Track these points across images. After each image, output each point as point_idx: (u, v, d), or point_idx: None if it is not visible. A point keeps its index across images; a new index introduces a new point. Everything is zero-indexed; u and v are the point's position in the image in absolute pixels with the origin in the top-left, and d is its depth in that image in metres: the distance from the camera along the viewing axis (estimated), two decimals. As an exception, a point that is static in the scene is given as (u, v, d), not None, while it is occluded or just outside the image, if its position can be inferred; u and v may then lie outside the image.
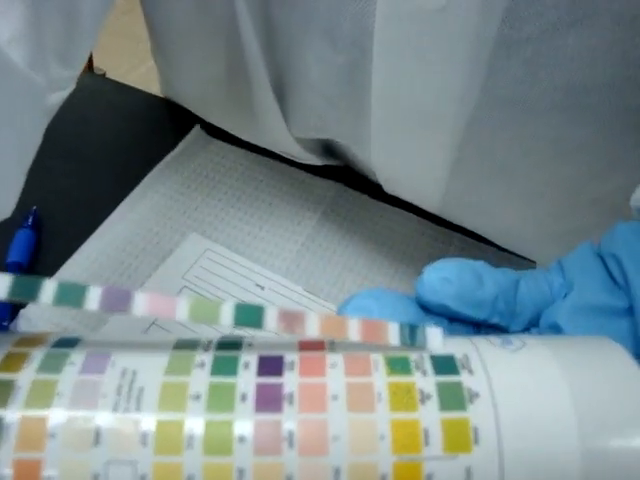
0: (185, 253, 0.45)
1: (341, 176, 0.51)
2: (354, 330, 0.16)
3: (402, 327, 0.17)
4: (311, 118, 0.42)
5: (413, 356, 0.16)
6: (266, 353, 0.16)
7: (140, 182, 0.50)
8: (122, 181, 0.50)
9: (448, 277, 0.22)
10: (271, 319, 0.16)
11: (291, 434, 0.14)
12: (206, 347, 0.17)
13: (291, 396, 0.15)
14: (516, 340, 0.17)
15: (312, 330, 0.16)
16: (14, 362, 0.16)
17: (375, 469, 0.14)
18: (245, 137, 0.52)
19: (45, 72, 0.25)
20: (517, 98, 0.31)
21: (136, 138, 0.54)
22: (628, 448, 0.14)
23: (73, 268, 0.44)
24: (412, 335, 0.16)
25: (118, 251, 0.46)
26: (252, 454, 0.14)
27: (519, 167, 0.35)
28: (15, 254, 0.45)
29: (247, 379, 0.16)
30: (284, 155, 0.50)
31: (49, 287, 0.16)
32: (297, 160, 0.50)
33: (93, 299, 0.17)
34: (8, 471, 0.14)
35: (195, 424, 0.15)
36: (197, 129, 0.54)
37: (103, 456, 0.14)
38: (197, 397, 0.15)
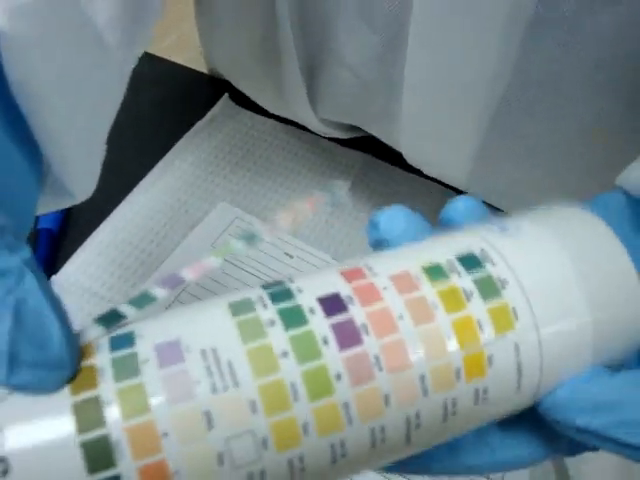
0: (214, 222, 0.45)
1: (369, 146, 0.51)
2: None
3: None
4: (340, 100, 0.42)
5: (443, 262, 0.18)
6: (321, 293, 0.17)
7: (169, 151, 0.50)
8: (151, 149, 0.50)
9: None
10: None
11: (377, 358, 0.16)
12: (263, 303, 0.17)
13: (365, 326, 0.16)
14: (509, 224, 0.19)
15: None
16: (86, 379, 0.15)
17: (450, 366, 0.16)
18: (270, 109, 0.52)
19: (124, 32, 0.25)
20: (548, 78, 0.31)
21: (164, 107, 0.54)
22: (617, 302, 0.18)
23: (102, 235, 0.45)
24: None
25: (147, 219, 0.46)
26: (351, 387, 0.16)
27: (546, 148, 0.35)
28: (45, 221, 0.45)
29: (320, 323, 0.16)
30: (309, 128, 0.50)
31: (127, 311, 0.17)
32: (321, 134, 0.49)
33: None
34: None
35: (293, 378, 0.16)
36: (225, 99, 0.54)
37: (221, 436, 0.15)
38: (285, 354, 0.16)
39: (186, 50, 0.58)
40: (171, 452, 0.15)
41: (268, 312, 0.17)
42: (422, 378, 0.16)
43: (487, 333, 0.17)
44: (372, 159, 0.50)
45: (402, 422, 0.16)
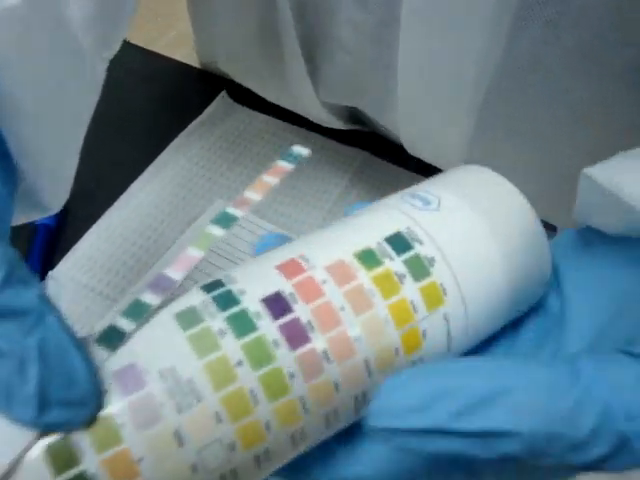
0: (211, 219, 0.45)
1: (367, 144, 0.51)
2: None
3: None
4: (339, 81, 0.42)
5: (373, 246, 0.19)
6: (264, 294, 0.17)
7: (166, 147, 0.50)
8: (148, 146, 0.50)
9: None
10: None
11: (325, 352, 0.17)
12: (209, 311, 0.17)
13: (310, 323, 0.17)
14: (430, 197, 0.20)
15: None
16: None
17: (390, 347, 0.18)
18: (272, 98, 0.52)
19: (98, 33, 0.24)
20: (537, 60, 0.31)
21: (162, 104, 0.54)
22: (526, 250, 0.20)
23: (99, 231, 0.45)
24: None
25: (144, 215, 0.46)
26: (304, 383, 0.17)
27: (538, 131, 0.35)
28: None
29: (268, 327, 0.17)
30: (310, 118, 0.50)
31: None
32: (323, 124, 0.49)
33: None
34: None
35: (251, 384, 0.16)
36: (223, 95, 0.54)
37: (193, 449, 0.16)
38: (240, 363, 0.16)
39: (184, 47, 0.58)
40: (148, 474, 0.15)
41: (217, 322, 0.17)
42: (366, 362, 0.17)
43: (420, 312, 0.18)
44: (371, 156, 0.50)
45: (351, 402, 0.18)
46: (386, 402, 0.16)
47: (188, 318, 0.17)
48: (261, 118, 0.52)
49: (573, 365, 0.16)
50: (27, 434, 0.15)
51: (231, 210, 0.19)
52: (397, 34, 0.34)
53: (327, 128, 0.49)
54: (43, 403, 0.15)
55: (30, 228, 0.45)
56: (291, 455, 0.18)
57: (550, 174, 0.39)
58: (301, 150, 0.22)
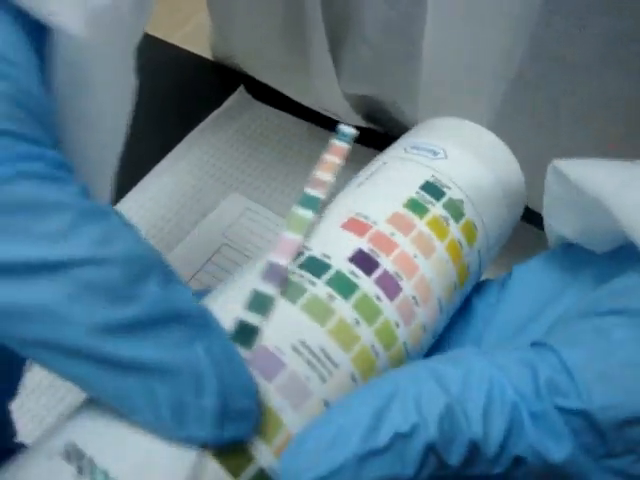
0: (226, 211, 0.46)
1: (381, 145, 0.51)
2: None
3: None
4: (361, 72, 0.42)
5: (415, 195, 0.20)
6: (347, 254, 0.18)
7: (182, 139, 0.50)
8: (165, 138, 0.50)
9: None
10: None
11: (414, 298, 0.19)
12: (308, 280, 0.18)
13: (397, 273, 0.18)
14: (435, 148, 0.22)
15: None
16: None
17: (451, 283, 0.20)
18: (292, 94, 0.52)
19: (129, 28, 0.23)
20: (562, 52, 0.31)
21: (180, 96, 0.54)
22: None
23: (115, 220, 0.45)
24: None
25: (159, 206, 0.46)
26: (405, 329, 0.18)
27: (560, 123, 0.36)
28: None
29: (367, 283, 0.18)
30: (329, 113, 0.50)
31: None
32: (341, 120, 0.50)
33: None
34: None
35: (371, 340, 0.17)
36: (241, 90, 0.54)
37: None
38: (357, 322, 0.17)
39: (201, 40, 0.58)
40: (294, 427, 0.16)
41: (320, 288, 0.17)
42: (439, 300, 0.19)
43: (465, 248, 0.21)
44: (384, 157, 0.50)
45: (430, 341, 0.20)
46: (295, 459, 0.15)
47: (292, 291, 0.17)
48: (278, 114, 0.53)
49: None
50: (194, 450, 0.14)
51: (311, 191, 0.20)
52: (422, 28, 0.34)
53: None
54: (221, 417, 0.14)
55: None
56: None
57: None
58: (349, 129, 0.22)
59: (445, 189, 0.21)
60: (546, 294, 0.22)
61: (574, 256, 0.23)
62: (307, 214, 0.19)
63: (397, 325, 0.18)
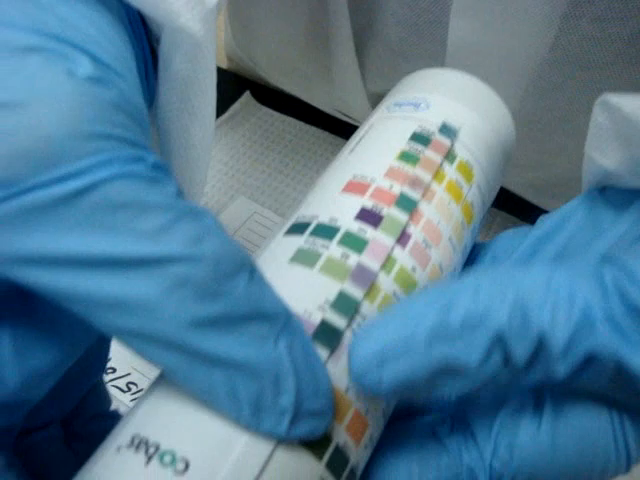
0: (233, 215, 0.46)
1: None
2: None
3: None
4: (386, 71, 0.43)
5: (406, 148, 0.21)
6: (352, 214, 0.19)
7: (190, 144, 0.51)
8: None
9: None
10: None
11: (425, 240, 0.19)
12: (320, 244, 0.18)
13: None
14: (416, 100, 0.23)
15: None
16: None
17: (458, 219, 0.20)
18: (311, 100, 0.53)
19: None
20: (583, 54, 0.32)
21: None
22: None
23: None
24: None
25: (167, 209, 0.47)
26: (422, 273, 0.19)
27: (580, 123, 0.36)
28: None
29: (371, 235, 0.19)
30: (348, 119, 0.51)
31: None
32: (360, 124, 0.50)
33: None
34: None
35: (393, 288, 0.18)
36: (247, 95, 0.55)
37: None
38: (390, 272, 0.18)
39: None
40: (371, 422, 0.17)
41: (333, 249, 0.18)
42: (450, 239, 0.20)
43: (464, 187, 0.21)
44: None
45: (449, 276, 0.20)
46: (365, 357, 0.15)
47: (306, 257, 0.18)
48: (284, 119, 0.53)
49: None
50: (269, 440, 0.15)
51: (409, 192, 0.20)
52: (446, 31, 0.35)
53: (349, 132, 0.50)
54: (296, 416, 0.14)
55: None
56: None
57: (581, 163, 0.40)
58: (454, 124, 0.22)
59: (432, 136, 0.21)
60: (589, 232, 0.22)
61: (615, 195, 0.22)
62: (403, 218, 0.19)
63: (414, 270, 0.18)
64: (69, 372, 0.18)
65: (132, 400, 0.41)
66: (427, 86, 0.24)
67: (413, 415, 0.20)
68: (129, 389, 0.42)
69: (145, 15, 0.18)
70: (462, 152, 0.21)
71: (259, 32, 0.49)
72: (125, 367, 0.42)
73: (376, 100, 0.48)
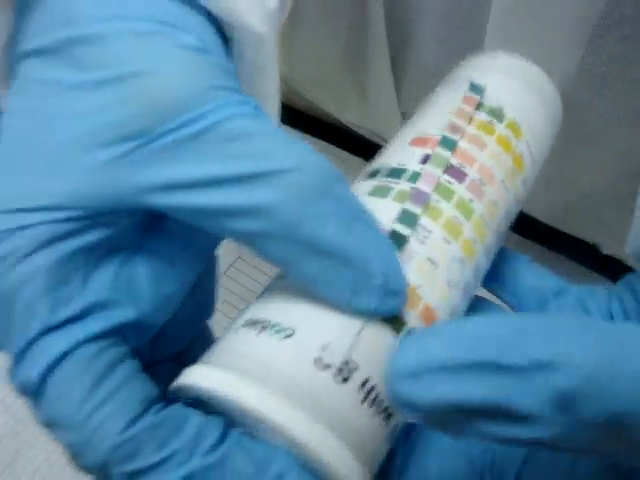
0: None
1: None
2: None
3: None
4: (421, 90, 0.45)
5: (461, 106, 0.24)
6: (417, 159, 0.22)
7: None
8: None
9: None
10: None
11: (480, 179, 0.22)
12: (393, 181, 0.22)
13: (461, 164, 0.22)
14: (477, 80, 0.26)
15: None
16: None
17: (509, 165, 0.24)
18: (343, 117, 0.53)
19: None
20: (611, 73, 0.33)
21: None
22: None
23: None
24: None
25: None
26: (479, 201, 0.22)
27: (608, 139, 0.37)
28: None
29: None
30: (377, 138, 0.52)
31: None
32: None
33: None
34: None
35: (451, 212, 0.21)
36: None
37: (443, 272, 0.21)
38: (438, 201, 0.21)
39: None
40: (426, 295, 0.20)
41: (402, 185, 0.21)
42: (503, 182, 0.23)
43: (513, 141, 0.24)
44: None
45: (503, 214, 0.23)
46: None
47: (380, 191, 0.21)
48: (292, 133, 0.54)
49: None
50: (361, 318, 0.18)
51: (449, 135, 0.23)
52: (482, 47, 0.36)
53: (366, 151, 0.51)
54: (384, 294, 0.18)
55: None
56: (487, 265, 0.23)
57: (606, 177, 0.41)
58: (480, 83, 0.25)
59: (484, 100, 0.24)
60: None
61: None
62: (446, 154, 0.22)
63: (471, 200, 0.22)
64: (185, 310, 0.21)
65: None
66: (490, 69, 0.27)
67: None
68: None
69: (219, 17, 0.22)
70: (511, 113, 0.25)
71: (297, 46, 0.50)
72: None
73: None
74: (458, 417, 0.14)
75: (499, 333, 0.14)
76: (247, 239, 0.18)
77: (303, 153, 0.18)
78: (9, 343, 0.17)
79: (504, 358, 0.13)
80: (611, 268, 0.46)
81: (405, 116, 0.47)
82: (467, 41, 0.37)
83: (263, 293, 0.20)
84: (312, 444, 0.16)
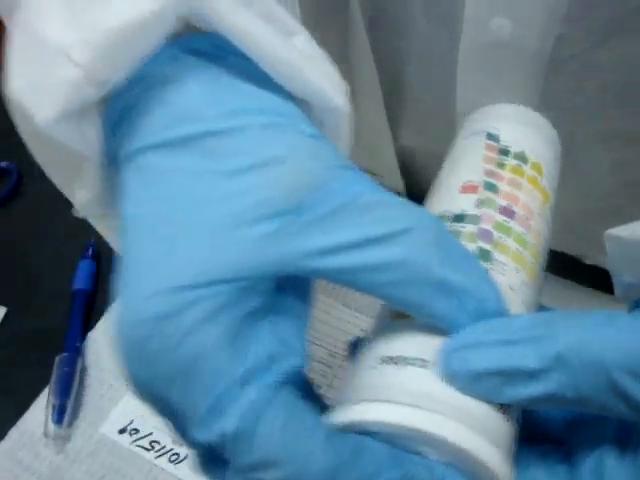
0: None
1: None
2: None
3: None
4: (416, 124, 0.47)
5: (495, 157, 0.28)
6: (473, 204, 0.26)
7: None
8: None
9: None
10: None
11: (525, 215, 0.26)
12: (460, 225, 0.25)
13: (509, 204, 0.26)
14: (490, 130, 0.29)
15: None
16: None
17: (540, 198, 0.27)
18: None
19: None
20: (568, 103, 0.36)
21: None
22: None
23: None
24: None
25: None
26: (528, 233, 0.26)
27: (575, 157, 0.38)
28: (80, 282, 0.50)
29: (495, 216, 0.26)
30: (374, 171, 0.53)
31: None
32: (382, 181, 0.53)
33: None
34: None
35: (513, 245, 0.25)
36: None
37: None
38: (501, 237, 0.25)
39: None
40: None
41: (468, 228, 0.25)
42: (539, 214, 0.27)
43: (538, 178, 0.28)
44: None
45: (543, 239, 0.27)
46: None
47: (454, 235, 0.24)
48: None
49: None
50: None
51: (487, 179, 0.27)
52: (454, 86, 0.39)
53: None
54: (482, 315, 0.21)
55: (69, 294, 0.49)
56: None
57: (587, 198, 0.42)
58: (495, 131, 0.29)
59: (509, 148, 0.28)
60: None
61: None
62: (494, 197, 0.26)
63: (524, 234, 0.26)
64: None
65: (157, 457, 0.44)
66: (498, 118, 0.31)
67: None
68: (152, 447, 0.45)
69: (301, 99, 0.24)
70: (532, 156, 0.29)
71: None
72: (148, 427, 0.45)
73: (404, 153, 0.50)
74: (497, 381, 0.20)
75: (528, 323, 0.21)
76: (385, 290, 0.20)
77: (419, 213, 0.21)
78: (191, 404, 0.19)
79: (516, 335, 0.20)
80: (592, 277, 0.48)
81: (400, 151, 0.49)
82: (443, 81, 0.39)
83: (381, 333, 0.23)
84: (491, 464, 0.20)
